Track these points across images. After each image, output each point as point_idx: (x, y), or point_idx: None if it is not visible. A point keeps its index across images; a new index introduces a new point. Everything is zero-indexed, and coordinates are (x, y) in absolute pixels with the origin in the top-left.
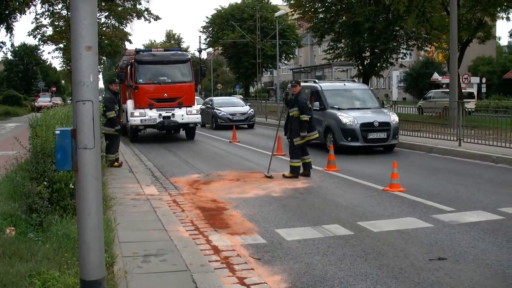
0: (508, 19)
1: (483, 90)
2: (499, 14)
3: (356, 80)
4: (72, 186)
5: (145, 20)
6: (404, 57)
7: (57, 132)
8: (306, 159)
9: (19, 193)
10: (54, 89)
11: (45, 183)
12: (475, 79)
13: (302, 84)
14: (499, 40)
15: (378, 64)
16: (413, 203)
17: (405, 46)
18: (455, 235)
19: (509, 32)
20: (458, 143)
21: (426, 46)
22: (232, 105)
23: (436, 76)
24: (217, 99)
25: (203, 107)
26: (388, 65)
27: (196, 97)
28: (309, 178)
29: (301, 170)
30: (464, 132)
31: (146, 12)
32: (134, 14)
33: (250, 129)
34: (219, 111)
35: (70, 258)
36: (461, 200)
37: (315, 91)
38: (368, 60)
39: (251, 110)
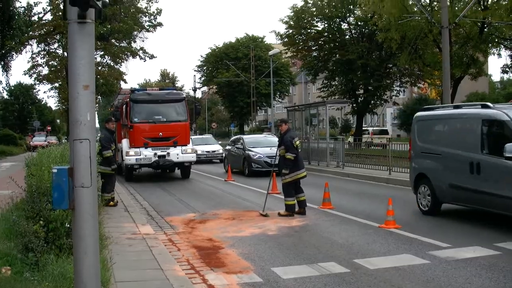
0: (499, 55)
1: None
2: (490, 50)
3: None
4: (68, 225)
5: (140, 59)
6: (398, 94)
7: (54, 170)
8: (301, 197)
9: (15, 232)
10: (49, 128)
11: (41, 222)
12: None
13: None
14: (491, 77)
15: (372, 101)
16: (409, 239)
17: (398, 83)
18: (452, 271)
19: (501, 68)
20: None
21: (419, 82)
22: (267, 145)
23: None
24: (248, 138)
25: (230, 147)
26: (382, 102)
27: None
28: (305, 216)
29: (297, 208)
30: None
31: (141, 51)
32: (129, 53)
33: None
34: (253, 153)
35: None
36: (457, 236)
37: None
38: (362, 97)
39: None
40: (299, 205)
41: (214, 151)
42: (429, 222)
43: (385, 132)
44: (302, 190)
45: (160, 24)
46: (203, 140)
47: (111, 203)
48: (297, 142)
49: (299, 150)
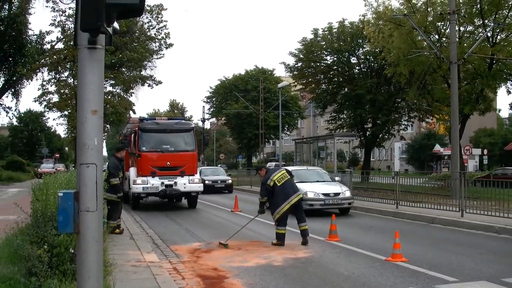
0: (508, 92)
1: (485, 161)
2: (499, 86)
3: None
4: (72, 251)
5: (148, 86)
6: (406, 128)
7: (60, 194)
8: (301, 227)
9: (19, 256)
10: (58, 155)
11: (45, 247)
12: (477, 151)
13: None
14: (499, 112)
15: (380, 135)
16: (415, 273)
17: (406, 118)
18: None
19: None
20: (460, 213)
21: (428, 117)
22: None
23: (438, 147)
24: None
25: None
26: (390, 136)
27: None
28: (311, 248)
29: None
30: (467, 203)
31: (150, 79)
32: (140, 81)
33: (254, 198)
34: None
35: None
36: (464, 271)
37: None
38: (370, 131)
39: None
40: (302, 235)
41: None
42: (436, 256)
43: None
44: (303, 219)
45: (170, 45)
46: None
47: (117, 230)
48: (274, 178)
49: (280, 184)
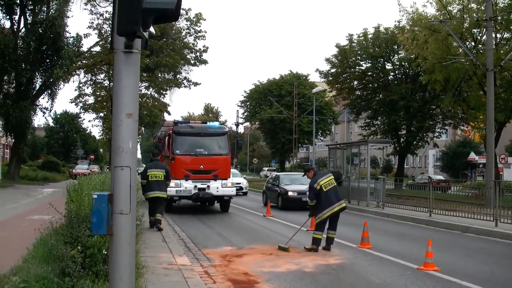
0: None
1: None
2: None
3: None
4: (105, 252)
5: (184, 87)
6: (440, 135)
7: (95, 196)
8: (329, 234)
9: (53, 256)
10: (93, 157)
11: (78, 247)
12: None
13: None
14: None
15: (414, 142)
16: (447, 283)
17: (440, 125)
18: None
19: None
20: (494, 223)
21: (462, 125)
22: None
23: (473, 155)
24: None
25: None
26: (424, 143)
27: (232, 170)
28: (342, 255)
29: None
30: (501, 212)
31: (185, 81)
32: (174, 85)
33: None
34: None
35: None
36: (497, 281)
37: None
38: (404, 138)
39: None
40: (326, 241)
41: (238, 183)
42: (468, 266)
43: None
44: (334, 227)
45: (205, 62)
46: None
47: (161, 226)
48: (321, 182)
49: (326, 189)
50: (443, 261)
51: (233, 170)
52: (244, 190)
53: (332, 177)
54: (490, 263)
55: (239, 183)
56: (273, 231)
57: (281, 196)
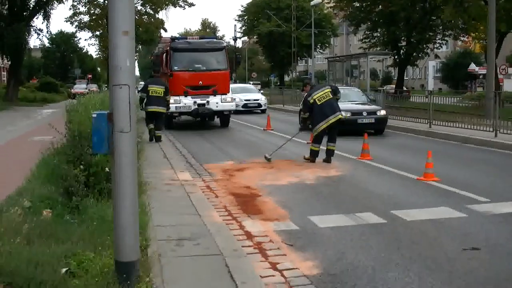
0: None
1: None
2: None
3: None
4: (108, 170)
5: (179, 7)
6: (440, 47)
7: (94, 115)
8: (329, 146)
9: (56, 176)
10: (90, 76)
11: (81, 166)
12: None
13: None
14: None
15: (414, 54)
16: (447, 193)
17: (441, 36)
18: (490, 225)
19: None
20: (494, 134)
21: (463, 36)
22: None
23: (473, 66)
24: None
25: None
26: (424, 55)
27: (246, 86)
28: (343, 166)
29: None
30: (501, 123)
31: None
32: (169, 3)
33: (286, 117)
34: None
35: (105, 240)
36: (497, 191)
37: None
38: (404, 49)
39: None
40: (326, 154)
41: (256, 99)
42: (468, 177)
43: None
44: (334, 139)
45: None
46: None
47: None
48: (315, 96)
49: (320, 102)
50: (443, 172)
51: (248, 86)
52: (262, 108)
53: (329, 89)
54: (489, 173)
55: (257, 100)
56: (273, 144)
57: None
